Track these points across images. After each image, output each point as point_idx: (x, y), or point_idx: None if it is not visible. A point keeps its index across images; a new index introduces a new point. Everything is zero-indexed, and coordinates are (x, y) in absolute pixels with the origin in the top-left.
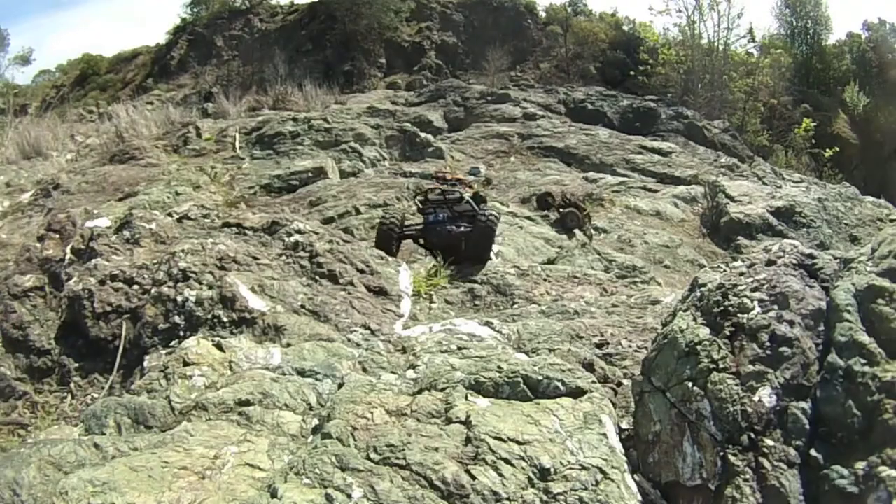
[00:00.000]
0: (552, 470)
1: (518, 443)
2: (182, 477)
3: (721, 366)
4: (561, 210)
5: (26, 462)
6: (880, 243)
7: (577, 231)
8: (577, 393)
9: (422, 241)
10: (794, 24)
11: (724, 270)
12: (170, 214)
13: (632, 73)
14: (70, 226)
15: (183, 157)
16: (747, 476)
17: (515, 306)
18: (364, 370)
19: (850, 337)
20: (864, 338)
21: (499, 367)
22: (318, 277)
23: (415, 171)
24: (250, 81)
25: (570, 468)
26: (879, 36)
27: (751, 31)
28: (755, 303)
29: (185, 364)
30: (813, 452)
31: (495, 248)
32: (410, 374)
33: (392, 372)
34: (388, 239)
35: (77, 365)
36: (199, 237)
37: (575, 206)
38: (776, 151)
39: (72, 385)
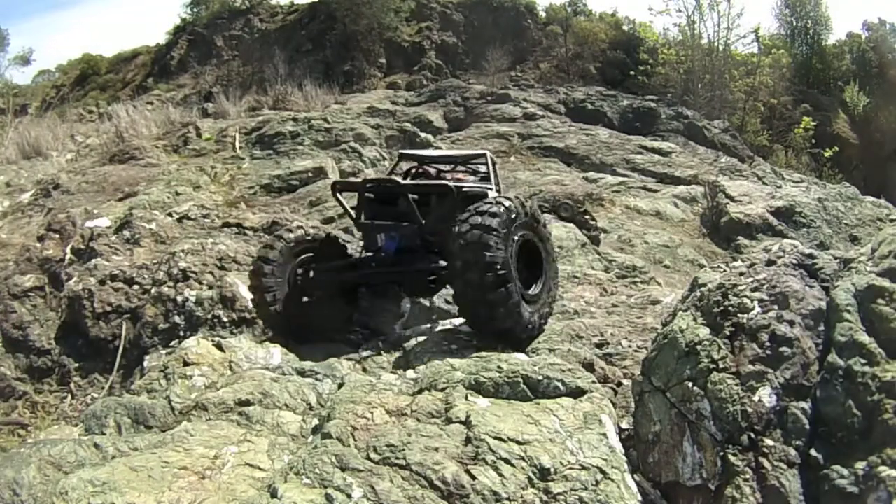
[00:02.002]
0: (552, 470)
1: (518, 443)
2: (182, 477)
3: (721, 366)
4: (563, 215)
5: (26, 462)
6: (880, 243)
7: (585, 232)
8: (577, 393)
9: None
10: (794, 24)
11: (724, 270)
12: (170, 214)
13: (632, 73)
14: (70, 226)
15: (183, 157)
16: (747, 476)
17: None
18: (364, 370)
19: (850, 337)
20: (864, 338)
21: (499, 367)
22: None
23: None
24: (250, 81)
25: (570, 468)
26: (879, 36)
27: (757, 31)
28: (755, 303)
29: (185, 364)
30: (813, 452)
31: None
32: (410, 374)
33: (392, 372)
34: (266, 298)
35: (77, 365)
36: (199, 237)
37: (575, 208)
38: (776, 151)
39: (72, 385)
